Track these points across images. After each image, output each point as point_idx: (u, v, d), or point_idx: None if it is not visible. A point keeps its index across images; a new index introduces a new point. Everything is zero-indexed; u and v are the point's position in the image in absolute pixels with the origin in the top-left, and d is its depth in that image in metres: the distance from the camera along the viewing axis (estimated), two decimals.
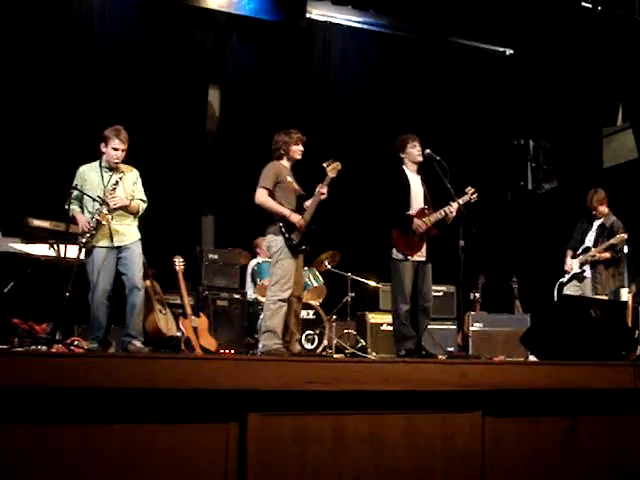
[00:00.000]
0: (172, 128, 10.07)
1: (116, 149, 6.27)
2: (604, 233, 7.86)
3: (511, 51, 12.28)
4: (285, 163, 6.52)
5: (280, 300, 6.16)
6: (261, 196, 6.30)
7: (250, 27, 10.64)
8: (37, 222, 6.16)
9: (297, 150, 6.51)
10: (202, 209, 10.50)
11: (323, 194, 6.37)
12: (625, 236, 7.79)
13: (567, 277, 7.99)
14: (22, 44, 9.22)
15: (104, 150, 6.32)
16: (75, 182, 6.36)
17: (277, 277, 6.24)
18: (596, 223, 8.03)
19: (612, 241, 7.75)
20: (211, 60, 10.56)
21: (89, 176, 6.35)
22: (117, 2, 10.02)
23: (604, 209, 7.99)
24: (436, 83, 11.64)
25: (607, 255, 7.74)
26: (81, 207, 6.33)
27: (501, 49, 12.30)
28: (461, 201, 6.73)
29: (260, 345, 6.32)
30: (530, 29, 11.23)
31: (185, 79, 10.33)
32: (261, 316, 8.04)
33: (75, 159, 9.03)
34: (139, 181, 6.55)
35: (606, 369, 3.89)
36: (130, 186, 6.44)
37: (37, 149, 9.12)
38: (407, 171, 6.83)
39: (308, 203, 6.45)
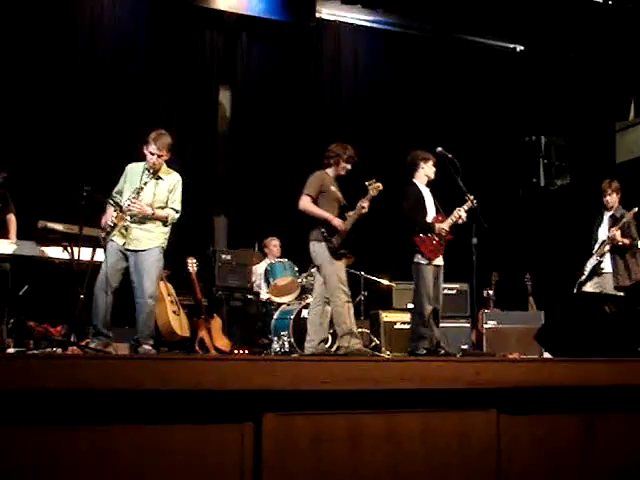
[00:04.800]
0: (184, 129, 10.08)
1: (152, 154, 6.31)
2: (616, 224, 7.81)
3: (521, 47, 12.25)
4: (330, 172, 6.73)
5: (347, 302, 6.41)
6: (305, 203, 6.54)
7: (260, 27, 10.67)
8: (50, 225, 6.17)
9: (345, 167, 6.74)
10: (214, 210, 10.52)
11: (364, 208, 6.63)
12: (636, 209, 7.72)
13: (585, 275, 7.91)
14: (33, 48, 9.26)
15: (145, 151, 6.36)
16: (122, 178, 6.48)
17: (335, 282, 6.45)
18: (606, 216, 7.98)
19: (624, 220, 7.69)
20: (221, 61, 10.60)
21: (132, 174, 6.43)
22: (127, 4, 10.06)
23: (616, 199, 7.94)
24: (447, 81, 11.63)
25: (626, 241, 7.66)
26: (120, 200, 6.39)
27: (511, 45, 12.28)
28: (466, 207, 7.08)
29: (337, 347, 6.64)
30: (540, 25, 11.20)
31: (196, 80, 10.37)
32: (274, 316, 8.12)
33: (86, 161, 9.15)
34: (178, 189, 6.52)
35: (622, 365, 3.87)
36: (164, 192, 6.43)
37: (49, 152, 9.17)
38: (418, 183, 7.17)
39: (350, 213, 6.69)
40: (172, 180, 6.51)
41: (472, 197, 7.10)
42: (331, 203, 6.60)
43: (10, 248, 6.39)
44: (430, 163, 7.13)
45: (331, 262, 6.43)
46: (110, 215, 6.26)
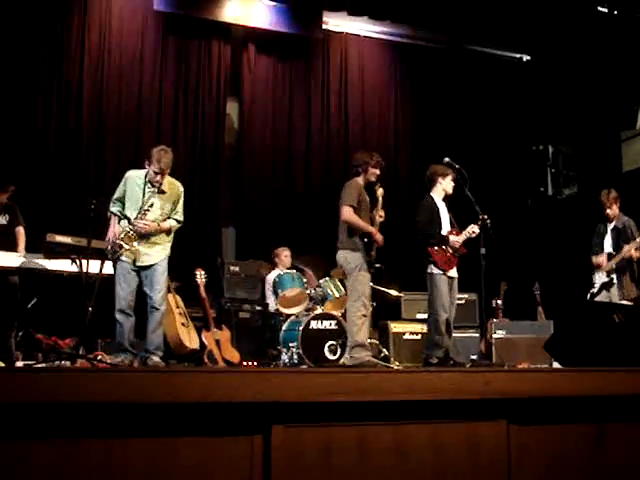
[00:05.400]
0: (191, 140, 10.13)
1: (156, 173, 6.34)
2: (620, 235, 7.83)
3: (528, 57, 12.27)
4: (360, 181, 6.78)
5: (364, 315, 6.45)
6: (349, 214, 6.57)
7: (267, 39, 10.70)
8: (59, 238, 6.20)
9: (374, 173, 6.81)
10: (222, 221, 10.52)
11: (381, 217, 6.78)
12: None
13: (597, 288, 7.91)
14: (41, 61, 9.31)
15: (147, 167, 6.41)
16: (121, 185, 6.52)
17: (359, 293, 6.49)
18: (609, 227, 8.01)
19: (639, 240, 7.71)
20: (229, 73, 10.62)
21: (132, 185, 6.47)
22: (134, 16, 10.09)
23: (616, 209, 7.96)
24: (454, 91, 11.64)
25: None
26: (122, 208, 6.46)
27: (518, 55, 12.30)
28: (480, 223, 7.21)
29: (348, 358, 6.62)
30: (546, 35, 11.21)
31: (203, 92, 10.38)
32: (283, 327, 8.11)
33: (94, 174, 9.19)
34: (181, 201, 6.62)
35: (631, 375, 3.85)
36: (169, 205, 6.50)
37: (57, 165, 9.20)
38: (435, 197, 7.27)
39: (377, 218, 6.78)
40: (175, 192, 6.57)
41: (485, 216, 7.18)
42: (366, 214, 6.67)
43: (19, 261, 6.43)
44: (448, 179, 7.24)
45: (362, 273, 6.49)
46: (114, 227, 6.33)
